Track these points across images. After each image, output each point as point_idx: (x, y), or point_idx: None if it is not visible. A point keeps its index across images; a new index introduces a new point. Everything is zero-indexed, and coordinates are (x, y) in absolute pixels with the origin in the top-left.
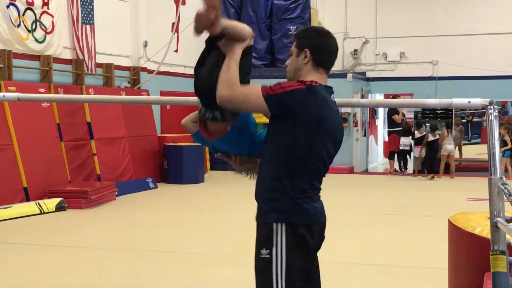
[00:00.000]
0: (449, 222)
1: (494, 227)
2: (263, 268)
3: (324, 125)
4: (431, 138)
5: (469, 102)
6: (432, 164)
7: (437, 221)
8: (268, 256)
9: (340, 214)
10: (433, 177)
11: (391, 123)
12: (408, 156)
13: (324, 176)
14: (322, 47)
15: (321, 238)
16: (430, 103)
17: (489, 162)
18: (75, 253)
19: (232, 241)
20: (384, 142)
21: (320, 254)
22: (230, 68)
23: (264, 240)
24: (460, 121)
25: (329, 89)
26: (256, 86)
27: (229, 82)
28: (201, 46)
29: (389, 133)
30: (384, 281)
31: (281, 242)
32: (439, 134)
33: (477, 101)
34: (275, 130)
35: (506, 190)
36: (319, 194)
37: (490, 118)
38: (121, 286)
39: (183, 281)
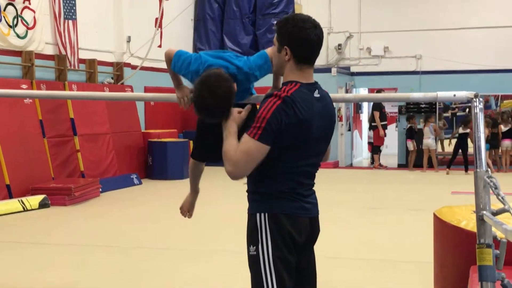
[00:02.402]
0: (435, 215)
1: (480, 220)
2: (252, 265)
3: (306, 133)
4: (461, 131)
5: (454, 95)
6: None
7: (422, 215)
8: (255, 253)
9: (325, 209)
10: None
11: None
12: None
13: (315, 171)
14: (303, 43)
15: (314, 231)
16: (415, 97)
17: (475, 155)
18: (59, 250)
19: (218, 236)
20: (368, 136)
21: None
22: (226, 144)
23: (250, 236)
24: (442, 115)
25: (312, 86)
26: (245, 139)
27: (225, 156)
28: (185, 41)
29: (374, 127)
30: (369, 275)
31: (266, 238)
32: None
33: (462, 94)
34: None
35: (492, 183)
36: (310, 188)
37: (476, 111)
38: (106, 284)
39: (169, 278)
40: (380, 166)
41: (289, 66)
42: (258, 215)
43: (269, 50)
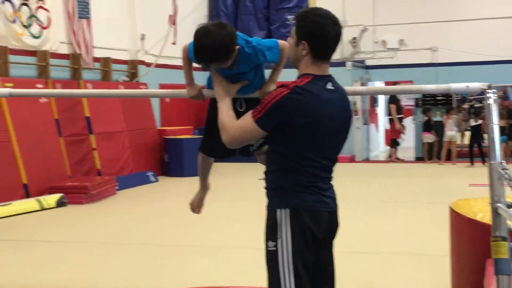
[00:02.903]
0: (451, 208)
1: (495, 212)
2: (270, 260)
3: (317, 124)
4: (473, 123)
5: (467, 86)
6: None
7: (439, 208)
8: (274, 248)
9: (342, 203)
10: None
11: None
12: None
13: (333, 165)
14: (322, 39)
15: (333, 225)
16: (428, 88)
17: (489, 147)
18: (76, 248)
19: (233, 233)
20: (386, 130)
21: None
22: (222, 113)
23: (270, 232)
24: (462, 107)
25: (325, 79)
26: (246, 116)
27: (222, 127)
28: None
29: (390, 120)
30: (386, 269)
31: (285, 233)
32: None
33: (476, 85)
34: (273, 134)
35: (506, 175)
36: (329, 181)
37: (489, 102)
38: (121, 280)
39: (183, 274)
40: (397, 160)
41: (305, 61)
42: (278, 210)
43: (280, 42)
